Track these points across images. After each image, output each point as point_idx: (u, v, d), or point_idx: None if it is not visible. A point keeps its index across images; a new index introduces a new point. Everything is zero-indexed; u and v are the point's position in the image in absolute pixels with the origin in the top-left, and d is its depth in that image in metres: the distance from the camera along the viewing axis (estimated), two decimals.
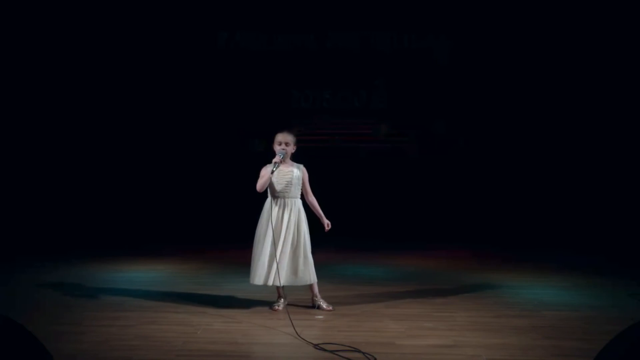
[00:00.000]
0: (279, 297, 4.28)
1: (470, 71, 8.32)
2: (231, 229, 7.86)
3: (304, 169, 4.26)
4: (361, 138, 8.54)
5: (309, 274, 4.14)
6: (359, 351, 3.26)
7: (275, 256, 4.02)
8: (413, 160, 8.48)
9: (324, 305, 4.22)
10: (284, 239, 4.09)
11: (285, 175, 4.15)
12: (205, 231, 7.88)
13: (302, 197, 4.28)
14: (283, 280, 4.06)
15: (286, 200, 4.16)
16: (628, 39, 7.62)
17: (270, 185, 4.14)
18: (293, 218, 4.15)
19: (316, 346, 3.36)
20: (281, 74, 8.46)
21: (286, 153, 4.14)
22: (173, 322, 3.86)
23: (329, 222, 4.28)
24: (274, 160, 4.04)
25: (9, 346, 1.93)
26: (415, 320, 3.97)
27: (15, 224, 7.43)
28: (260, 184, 4.09)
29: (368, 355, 3.19)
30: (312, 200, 4.30)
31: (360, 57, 8.52)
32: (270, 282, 4.06)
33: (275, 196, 4.17)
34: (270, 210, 4.14)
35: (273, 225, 4.08)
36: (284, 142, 4.14)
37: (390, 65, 8.50)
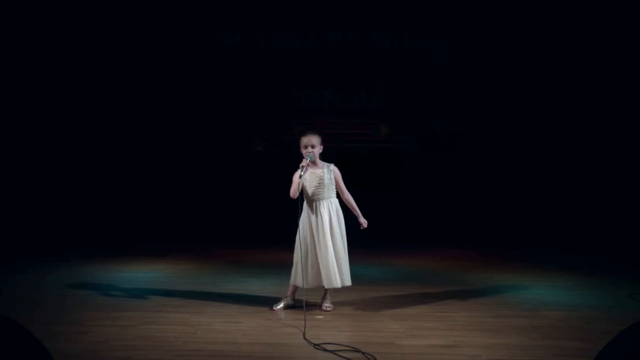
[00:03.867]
0: (286, 297, 4.28)
1: (470, 71, 8.32)
2: (231, 229, 7.87)
3: (335, 168, 4.24)
4: (361, 138, 8.54)
5: (347, 276, 4.16)
6: (359, 351, 3.26)
7: (307, 260, 4.07)
8: (412, 160, 8.47)
9: (324, 305, 4.22)
10: (317, 242, 4.10)
11: (315, 177, 4.15)
12: (205, 231, 7.88)
13: (339, 196, 4.27)
14: (326, 283, 4.10)
15: (321, 202, 4.15)
16: (628, 38, 7.61)
17: (303, 189, 4.15)
18: (327, 220, 4.13)
19: (316, 346, 3.36)
20: (281, 74, 8.46)
21: (314, 155, 4.13)
22: (173, 322, 3.86)
23: (366, 221, 4.26)
24: (301, 165, 4.04)
25: (9, 346, 1.93)
26: (415, 320, 3.97)
27: (16, 224, 7.43)
28: (292, 190, 4.08)
29: (368, 355, 3.19)
30: (348, 198, 4.27)
31: (360, 57, 8.51)
32: (326, 285, 4.10)
33: (309, 199, 4.17)
34: (307, 214, 4.16)
35: (311, 229, 4.11)
36: (309, 145, 4.13)
37: (390, 65, 8.49)
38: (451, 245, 7.37)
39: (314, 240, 4.11)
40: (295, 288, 4.25)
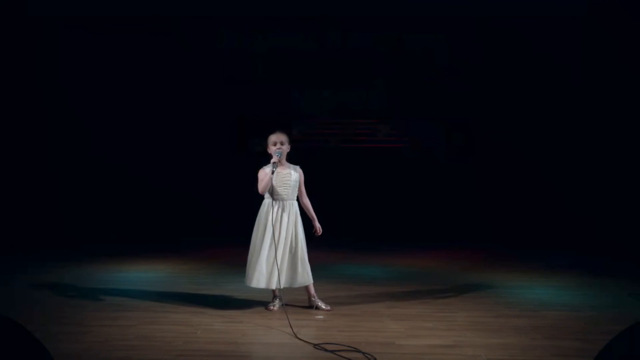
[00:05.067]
0: (274, 297, 4.28)
1: (471, 71, 8.31)
2: (231, 229, 7.87)
3: (301, 171, 4.26)
4: (361, 138, 8.54)
5: (306, 276, 4.17)
6: (359, 351, 3.26)
7: (276, 259, 4.02)
8: (412, 160, 8.47)
9: (322, 305, 4.22)
10: (284, 242, 4.10)
11: (284, 177, 4.15)
12: (205, 231, 7.88)
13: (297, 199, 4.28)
14: (283, 283, 4.07)
15: (285, 202, 4.15)
16: (628, 38, 7.61)
17: (271, 187, 4.14)
18: (292, 220, 4.15)
19: (316, 346, 3.36)
20: (281, 74, 8.46)
21: (282, 153, 4.14)
22: (173, 322, 3.86)
23: (320, 227, 4.25)
24: (272, 161, 4.04)
25: (9, 346, 1.93)
26: (415, 320, 3.97)
27: (16, 224, 7.43)
28: (262, 187, 4.08)
29: (368, 355, 3.19)
30: (307, 202, 4.30)
31: (361, 57, 8.51)
32: (273, 286, 4.08)
33: (274, 198, 4.15)
34: (269, 212, 4.13)
35: (268, 227, 4.08)
36: (278, 142, 4.14)
37: (391, 65, 8.49)
38: (451, 245, 7.37)
39: (285, 240, 4.08)
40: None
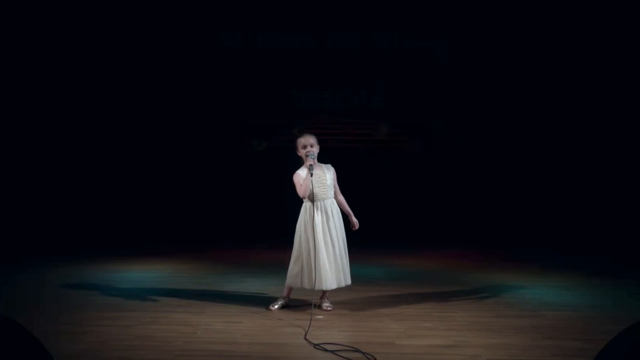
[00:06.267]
0: (283, 297, 4.28)
1: (470, 71, 8.31)
2: (231, 229, 7.88)
3: (333, 169, 4.28)
4: (361, 138, 8.54)
5: (349, 274, 4.25)
6: (359, 351, 3.26)
7: (332, 260, 4.08)
8: (413, 160, 8.47)
9: (324, 305, 4.23)
10: (332, 242, 4.12)
11: (320, 177, 4.14)
12: (205, 231, 7.88)
13: None
14: (336, 283, 4.13)
15: (325, 202, 4.16)
16: (627, 38, 7.61)
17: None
18: (336, 219, 4.18)
19: (316, 346, 3.36)
20: (281, 74, 8.46)
21: (314, 154, 4.13)
22: (173, 322, 3.86)
23: (357, 222, 4.33)
24: (308, 164, 4.04)
25: (9, 346, 1.93)
26: (415, 320, 3.97)
27: (16, 224, 7.43)
28: (303, 190, 4.08)
29: (368, 355, 3.20)
30: (342, 198, 4.32)
31: (360, 57, 8.51)
32: (342, 284, 4.15)
33: (314, 200, 4.13)
34: (313, 215, 4.11)
35: (317, 230, 4.07)
36: (308, 145, 4.13)
37: (390, 65, 8.49)
38: (451, 245, 7.37)
39: (335, 239, 4.11)
40: (291, 289, 4.26)
